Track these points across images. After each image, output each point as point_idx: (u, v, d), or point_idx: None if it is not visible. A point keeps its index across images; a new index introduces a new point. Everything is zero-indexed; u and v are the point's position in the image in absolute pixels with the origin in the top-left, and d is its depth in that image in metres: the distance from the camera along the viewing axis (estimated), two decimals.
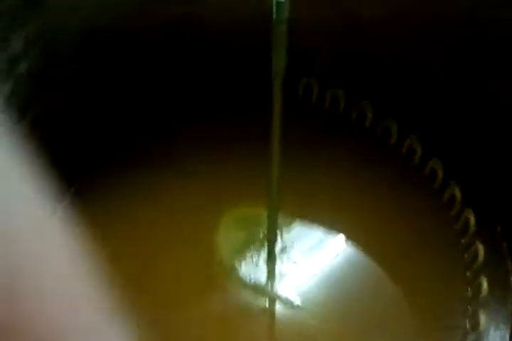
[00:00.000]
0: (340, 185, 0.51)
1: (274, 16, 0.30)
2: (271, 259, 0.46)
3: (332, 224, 0.49)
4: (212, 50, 0.54)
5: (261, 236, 0.47)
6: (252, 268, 0.45)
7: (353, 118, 0.55)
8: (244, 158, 0.51)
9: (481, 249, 0.45)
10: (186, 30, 0.51)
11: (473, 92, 0.48)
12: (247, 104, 0.54)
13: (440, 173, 0.50)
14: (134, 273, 0.45)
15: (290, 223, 0.49)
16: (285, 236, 0.48)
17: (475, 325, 0.42)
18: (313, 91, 0.56)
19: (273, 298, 0.44)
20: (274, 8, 0.30)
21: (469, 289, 0.44)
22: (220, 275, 0.44)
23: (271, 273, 0.45)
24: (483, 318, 0.41)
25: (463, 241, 0.47)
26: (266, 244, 0.46)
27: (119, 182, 0.50)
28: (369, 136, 0.54)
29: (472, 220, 0.47)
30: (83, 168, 0.51)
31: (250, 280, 0.45)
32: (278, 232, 0.46)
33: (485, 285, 0.43)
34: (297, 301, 0.44)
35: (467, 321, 0.43)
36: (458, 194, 0.48)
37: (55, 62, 0.45)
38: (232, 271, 0.45)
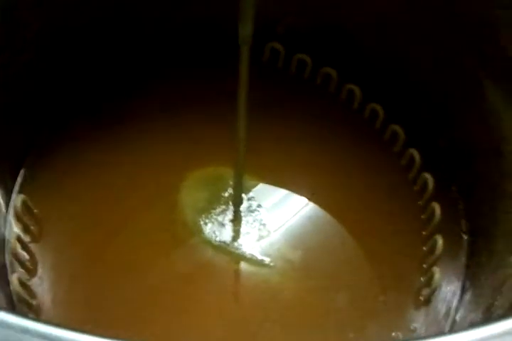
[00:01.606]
0: (303, 146, 0.52)
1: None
2: (236, 218, 0.47)
3: (295, 183, 0.50)
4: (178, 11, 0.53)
5: (226, 195, 0.48)
6: (218, 227, 0.46)
7: (318, 83, 0.55)
8: (209, 119, 0.51)
9: (437, 209, 0.47)
10: None
11: (430, 55, 0.49)
12: (213, 64, 0.54)
13: (401, 137, 0.52)
14: (100, 235, 0.45)
15: (255, 183, 0.50)
16: (250, 195, 0.49)
17: (429, 281, 0.44)
18: (280, 55, 0.56)
19: (238, 256, 0.45)
20: None
21: (425, 247, 0.46)
22: (186, 235, 0.45)
23: (236, 232, 0.46)
24: (437, 274, 0.43)
25: (420, 202, 0.49)
26: (231, 203, 0.47)
27: (79, 145, 0.50)
28: (333, 100, 0.55)
29: (430, 182, 0.48)
30: (43, 129, 0.50)
31: (215, 239, 0.46)
32: (243, 191, 0.47)
33: (440, 243, 0.45)
34: (262, 258, 0.45)
35: (422, 277, 0.45)
36: (417, 157, 0.50)
37: (16, 21, 0.44)
38: (197, 231, 0.46)
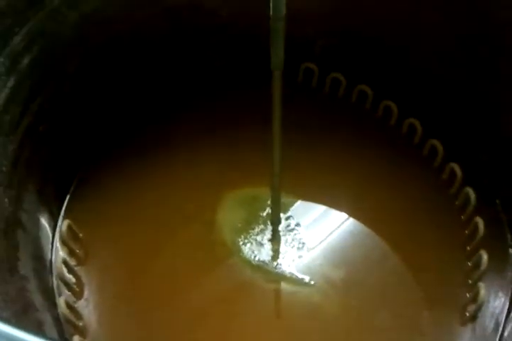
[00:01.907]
0: (340, 163, 0.52)
1: (271, 13, 0.31)
2: (274, 237, 0.47)
3: (333, 199, 0.50)
4: (212, 37, 0.55)
5: (264, 215, 0.49)
6: (256, 247, 0.46)
7: (353, 101, 0.55)
8: (245, 140, 0.52)
9: (480, 223, 0.45)
10: (187, 18, 0.52)
11: (471, 74, 0.48)
12: (248, 89, 0.55)
13: (440, 152, 0.51)
14: (142, 256, 0.46)
15: (292, 201, 0.50)
16: (288, 213, 0.49)
17: (475, 297, 0.42)
18: (314, 75, 0.56)
19: (277, 276, 0.45)
20: (272, 4, 0.30)
21: (470, 262, 0.45)
22: (225, 255, 0.46)
23: (275, 251, 0.46)
24: (482, 290, 0.42)
25: (463, 216, 0.47)
26: (269, 222, 0.48)
27: (121, 171, 0.51)
28: (369, 118, 0.55)
29: (472, 196, 0.47)
30: (86, 157, 0.52)
31: (254, 258, 0.46)
32: (281, 211, 0.47)
33: (485, 258, 0.43)
34: (302, 277, 0.45)
35: (467, 293, 0.43)
36: (458, 172, 0.49)
37: (57, 57, 0.46)
38: (236, 251, 0.46)
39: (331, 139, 0.53)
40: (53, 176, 0.49)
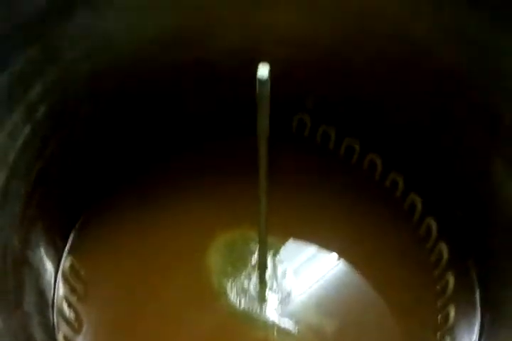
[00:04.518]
0: (326, 213, 0.55)
1: (257, 91, 0.34)
2: (261, 283, 0.51)
3: (319, 247, 0.54)
4: (212, 88, 0.59)
5: (252, 259, 0.52)
6: (242, 292, 0.50)
7: (341, 153, 0.59)
8: (237, 185, 0.56)
9: (451, 279, 0.49)
10: (190, 73, 0.55)
11: (450, 129, 0.52)
12: (237, 134, 0.59)
13: (419, 207, 0.55)
14: (137, 296, 0.50)
15: (279, 246, 0.53)
16: (275, 259, 0.53)
17: None
18: (306, 126, 0.60)
19: (261, 323, 0.48)
20: (258, 85, 0.34)
21: (439, 317, 0.49)
22: (211, 299, 0.49)
23: (260, 297, 0.50)
24: None
25: (436, 271, 0.51)
26: (257, 267, 0.51)
27: (125, 209, 0.55)
28: (356, 170, 0.59)
29: (445, 252, 0.51)
30: (91, 197, 0.56)
31: (240, 304, 0.49)
32: (267, 256, 0.51)
33: (452, 313, 0.47)
34: (285, 326, 0.48)
35: None
36: (434, 227, 0.53)
37: (70, 106, 0.50)
38: (222, 295, 0.50)
39: (319, 189, 0.57)
40: (60, 215, 0.53)
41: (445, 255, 0.51)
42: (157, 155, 0.59)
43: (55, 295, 0.49)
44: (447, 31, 0.46)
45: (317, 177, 0.58)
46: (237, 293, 0.50)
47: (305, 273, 0.52)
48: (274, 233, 0.50)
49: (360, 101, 0.56)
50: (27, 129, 0.47)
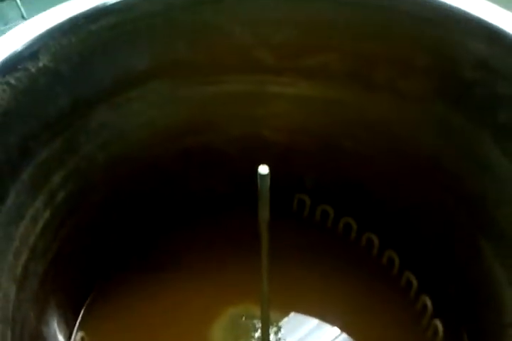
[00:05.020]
0: (325, 289, 0.58)
1: (258, 185, 0.38)
2: None
3: (320, 320, 0.56)
4: (219, 170, 0.63)
5: (255, 335, 0.55)
6: None
7: (339, 231, 0.63)
8: (240, 259, 0.59)
9: None
10: (196, 158, 0.60)
11: (440, 212, 0.56)
12: (240, 212, 0.63)
13: (414, 284, 0.57)
14: None
15: (282, 319, 0.56)
16: (279, 334, 0.55)
17: None
18: (306, 205, 0.64)
19: None
20: (258, 179, 0.38)
21: None
22: None
23: None
24: None
25: None
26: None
27: (134, 286, 0.58)
28: (354, 247, 0.62)
29: (440, 329, 0.54)
30: (102, 273, 0.59)
31: None
32: (271, 330, 0.53)
33: None
34: None
35: None
36: (429, 304, 0.55)
37: (86, 191, 0.54)
38: None
39: (319, 264, 0.60)
40: (72, 291, 0.56)
41: (440, 332, 0.53)
42: (164, 231, 0.63)
43: None
44: (434, 123, 0.51)
45: (317, 254, 0.61)
46: None
47: None
48: (276, 308, 0.53)
49: (355, 184, 0.60)
50: (47, 213, 0.51)
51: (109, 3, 0.43)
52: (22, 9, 1.31)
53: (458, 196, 0.51)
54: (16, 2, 1.31)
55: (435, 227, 0.56)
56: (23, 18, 1.32)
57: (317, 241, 0.62)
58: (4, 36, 0.42)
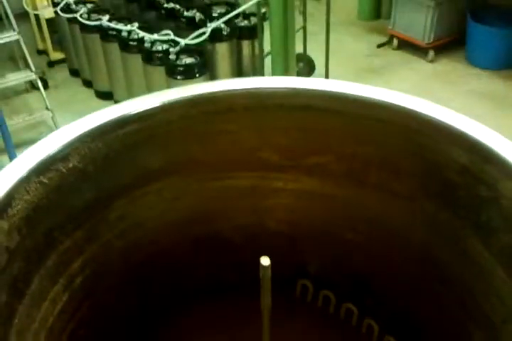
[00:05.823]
0: None
1: (260, 275, 0.42)
2: None
3: None
4: (224, 257, 0.67)
5: None
6: None
7: (341, 317, 0.65)
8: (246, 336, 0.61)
9: None
10: (205, 245, 0.65)
11: (433, 302, 0.59)
12: (244, 293, 0.65)
13: None
14: None
15: None
16: None
17: None
18: (309, 291, 0.67)
19: None
20: (261, 270, 0.42)
21: None
22: None
23: None
24: None
25: None
26: None
27: None
28: (355, 333, 0.64)
29: None
30: None
31: None
32: None
33: None
34: None
35: None
36: None
37: (102, 276, 0.58)
38: None
39: None
40: None
41: None
42: (173, 310, 0.65)
43: None
44: (424, 218, 0.55)
45: (321, 339, 0.63)
46: None
47: None
48: None
49: (356, 273, 0.64)
50: (65, 296, 0.55)
51: (132, 113, 0.50)
52: (47, 101, 1.40)
53: (449, 285, 0.55)
54: (42, 94, 1.41)
55: (429, 313, 0.59)
56: (47, 109, 1.40)
57: (321, 325, 0.65)
58: (40, 141, 0.48)
